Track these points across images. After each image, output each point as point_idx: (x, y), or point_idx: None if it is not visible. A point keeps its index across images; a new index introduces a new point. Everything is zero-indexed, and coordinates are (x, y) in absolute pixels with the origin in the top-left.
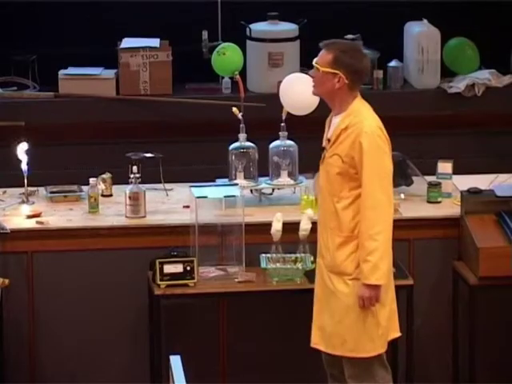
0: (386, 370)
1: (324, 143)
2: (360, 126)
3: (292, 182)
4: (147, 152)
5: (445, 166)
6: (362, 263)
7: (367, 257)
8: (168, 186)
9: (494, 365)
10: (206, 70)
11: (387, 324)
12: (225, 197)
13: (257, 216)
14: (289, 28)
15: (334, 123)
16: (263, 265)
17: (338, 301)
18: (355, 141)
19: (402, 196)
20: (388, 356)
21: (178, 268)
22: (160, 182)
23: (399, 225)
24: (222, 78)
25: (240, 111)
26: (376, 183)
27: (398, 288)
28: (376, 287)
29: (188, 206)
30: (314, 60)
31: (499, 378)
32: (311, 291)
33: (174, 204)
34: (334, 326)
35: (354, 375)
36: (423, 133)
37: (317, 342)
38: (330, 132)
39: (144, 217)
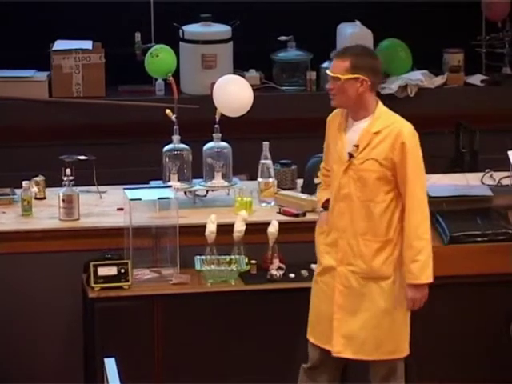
0: (403, 367)
1: (350, 150)
2: (396, 127)
3: (226, 183)
4: (80, 154)
5: None
6: (410, 264)
7: (416, 256)
8: (102, 188)
9: (430, 364)
10: (139, 72)
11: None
12: (159, 199)
13: (191, 218)
14: (222, 29)
15: (360, 128)
16: (198, 267)
17: (373, 306)
18: (395, 142)
19: None
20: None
21: (112, 270)
22: (93, 185)
23: None
24: (156, 79)
25: (173, 113)
26: (418, 182)
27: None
28: (425, 286)
29: (122, 209)
30: (329, 72)
31: (435, 378)
32: (246, 293)
33: (108, 206)
34: (369, 331)
35: (384, 377)
36: None
37: (341, 350)
38: (354, 137)
39: (78, 219)
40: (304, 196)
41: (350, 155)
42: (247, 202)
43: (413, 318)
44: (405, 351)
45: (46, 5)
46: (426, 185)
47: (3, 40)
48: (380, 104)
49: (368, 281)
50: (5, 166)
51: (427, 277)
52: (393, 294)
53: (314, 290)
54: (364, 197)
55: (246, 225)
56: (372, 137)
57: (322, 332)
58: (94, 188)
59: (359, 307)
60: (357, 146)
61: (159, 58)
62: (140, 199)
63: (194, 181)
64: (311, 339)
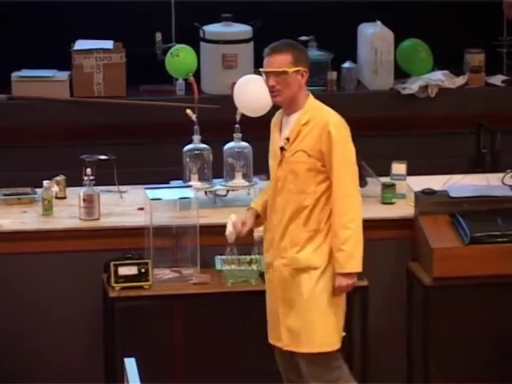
0: (341, 362)
1: (282, 143)
2: (324, 118)
3: (246, 183)
4: (101, 154)
5: (399, 167)
6: (336, 252)
7: (341, 246)
8: (122, 188)
9: (448, 365)
10: (159, 72)
11: (343, 319)
12: (179, 199)
13: (211, 218)
14: (242, 29)
15: (291, 121)
16: (218, 266)
17: (303, 297)
18: (322, 133)
19: None
20: (342, 356)
21: (132, 270)
22: (114, 184)
23: None
24: (176, 79)
25: (194, 113)
26: (346, 172)
27: (352, 289)
28: (352, 275)
29: (142, 208)
30: (271, 68)
31: (453, 378)
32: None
33: (129, 206)
34: (301, 323)
35: (314, 372)
36: (377, 134)
37: (288, 343)
38: (286, 131)
39: (98, 219)
40: None
41: (282, 148)
42: None
43: (433, 317)
44: (334, 345)
45: (67, 4)
46: (355, 175)
47: (24, 40)
48: (311, 97)
49: (299, 272)
50: (25, 165)
51: (353, 267)
52: (321, 284)
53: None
54: (296, 188)
55: None
56: (301, 128)
57: (274, 330)
58: (114, 188)
59: (295, 299)
60: (287, 139)
61: (180, 58)
62: (160, 199)
63: (215, 181)
64: (269, 340)
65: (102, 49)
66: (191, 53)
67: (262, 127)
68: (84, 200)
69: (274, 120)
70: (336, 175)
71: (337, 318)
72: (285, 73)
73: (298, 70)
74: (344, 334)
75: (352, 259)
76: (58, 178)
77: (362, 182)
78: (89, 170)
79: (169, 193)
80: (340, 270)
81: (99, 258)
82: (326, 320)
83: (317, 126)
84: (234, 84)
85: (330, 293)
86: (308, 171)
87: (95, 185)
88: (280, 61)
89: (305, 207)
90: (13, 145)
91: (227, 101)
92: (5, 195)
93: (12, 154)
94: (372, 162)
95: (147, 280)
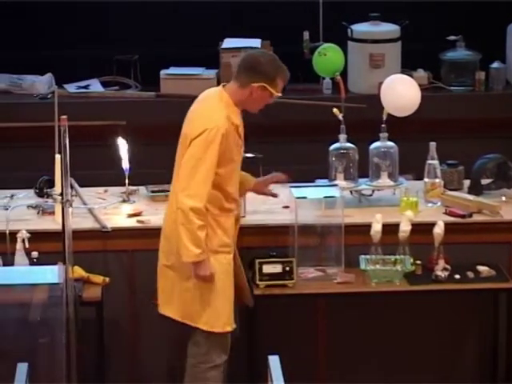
0: None
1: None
2: None
3: (392, 183)
4: (247, 152)
5: None
6: None
7: None
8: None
9: None
10: (306, 71)
11: None
12: (324, 197)
13: (356, 217)
14: (390, 29)
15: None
16: (362, 266)
17: None
18: None
19: (503, 198)
20: (488, 357)
21: (277, 268)
22: None
23: (500, 227)
24: (323, 78)
25: (340, 112)
26: None
27: (498, 291)
28: None
29: (288, 207)
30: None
31: None
32: (411, 293)
33: (274, 204)
34: None
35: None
36: None
37: None
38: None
39: (244, 216)
40: (471, 197)
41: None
42: (413, 202)
43: None
44: None
45: (216, 4)
46: None
47: (174, 38)
48: None
49: None
50: (173, 162)
51: None
52: None
53: (230, 278)
54: None
55: (412, 225)
56: None
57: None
58: None
59: None
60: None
61: (327, 57)
62: (306, 197)
63: (360, 180)
64: (233, 326)
65: (250, 47)
66: (339, 52)
67: (409, 127)
68: None
69: (238, 121)
70: None
71: None
72: None
73: None
74: None
75: None
76: None
77: (509, 183)
78: None
79: (314, 191)
80: None
81: (244, 255)
82: None
83: None
84: (381, 83)
85: None
86: None
87: None
88: None
89: None
90: (160, 142)
91: (374, 100)
92: (152, 192)
93: (159, 151)
94: None
95: (291, 278)
